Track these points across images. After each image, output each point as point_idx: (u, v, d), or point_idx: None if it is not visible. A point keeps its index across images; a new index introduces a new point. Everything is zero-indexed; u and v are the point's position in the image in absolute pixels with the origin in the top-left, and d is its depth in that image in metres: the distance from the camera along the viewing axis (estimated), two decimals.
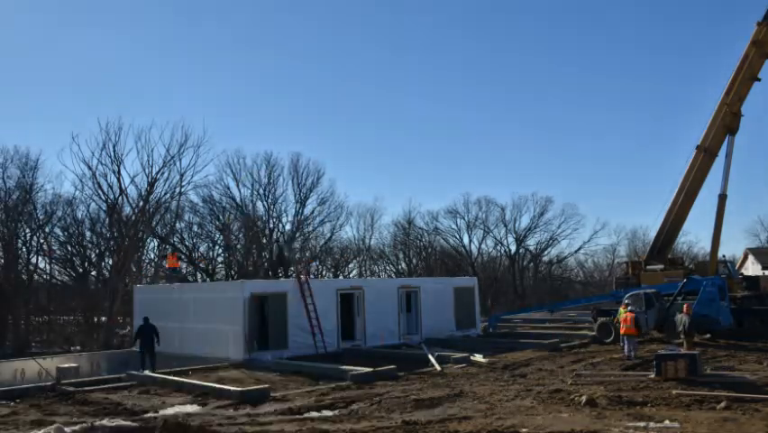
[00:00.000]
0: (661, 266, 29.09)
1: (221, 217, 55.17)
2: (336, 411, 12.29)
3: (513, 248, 66.90)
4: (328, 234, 60.06)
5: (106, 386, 16.26)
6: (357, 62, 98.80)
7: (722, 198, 27.30)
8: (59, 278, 50.41)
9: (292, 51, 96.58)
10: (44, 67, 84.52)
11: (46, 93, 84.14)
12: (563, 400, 12.60)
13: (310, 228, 58.67)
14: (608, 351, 21.04)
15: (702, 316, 21.66)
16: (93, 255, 50.27)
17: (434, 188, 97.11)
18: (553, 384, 14.60)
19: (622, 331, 19.58)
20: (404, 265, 66.01)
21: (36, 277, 48.76)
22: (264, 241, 55.04)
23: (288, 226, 57.20)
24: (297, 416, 11.96)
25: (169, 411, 12.74)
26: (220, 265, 56.09)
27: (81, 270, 49.55)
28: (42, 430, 10.86)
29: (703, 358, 16.67)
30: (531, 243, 67.09)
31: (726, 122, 27.46)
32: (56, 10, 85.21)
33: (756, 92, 27.82)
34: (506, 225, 66.05)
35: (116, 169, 44.48)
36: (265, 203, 56.21)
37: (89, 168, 43.98)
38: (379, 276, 62.05)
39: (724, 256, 29.42)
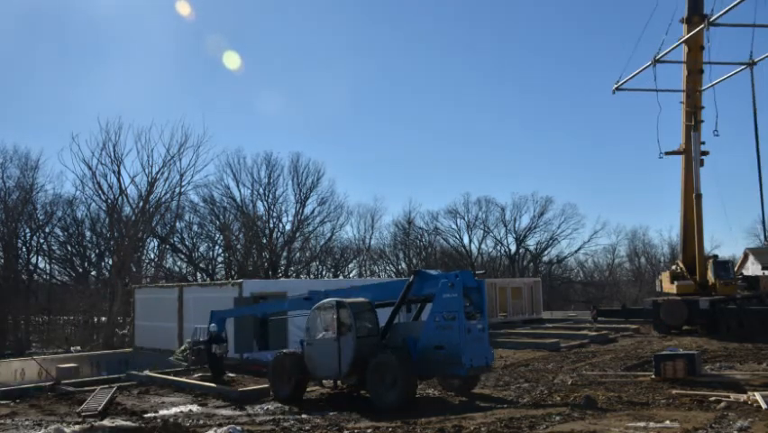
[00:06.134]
0: (674, 266, 29.43)
1: (221, 217, 55.22)
2: (336, 411, 12.29)
3: (513, 248, 67.01)
4: (328, 234, 60.16)
5: (106, 386, 16.25)
6: (357, 62, 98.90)
7: (698, 197, 27.43)
8: (59, 278, 50.49)
9: (292, 51, 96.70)
10: (44, 67, 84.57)
11: (46, 93, 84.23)
12: (563, 400, 12.60)
13: (310, 228, 58.71)
14: (608, 351, 21.04)
15: (435, 349, 12.78)
16: (93, 255, 50.36)
17: (434, 188, 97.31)
18: (553, 384, 14.60)
19: None
20: (404, 265, 66.05)
21: (36, 277, 48.85)
22: (264, 241, 55.07)
23: (288, 226, 57.26)
24: (297, 416, 11.95)
25: (169, 411, 12.74)
26: (220, 265, 56.15)
27: (81, 270, 49.61)
28: (42, 430, 10.86)
29: (703, 358, 16.67)
30: (531, 243, 67.22)
31: (688, 119, 27.96)
32: (56, 9, 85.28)
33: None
34: (506, 225, 66.21)
35: (116, 169, 44.62)
36: (265, 203, 56.30)
37: (89, 168, 44.11)
38: (379, 276, 62.14)
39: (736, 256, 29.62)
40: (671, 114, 29.42)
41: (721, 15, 23.23)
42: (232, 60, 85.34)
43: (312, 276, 58.24)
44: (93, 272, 50.05)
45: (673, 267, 29.62)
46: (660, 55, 27.82)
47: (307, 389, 15.00)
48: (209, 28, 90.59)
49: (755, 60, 26.99)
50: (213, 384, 15.60)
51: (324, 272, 60.81)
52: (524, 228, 66.05)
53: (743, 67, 27.53)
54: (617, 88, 29.88)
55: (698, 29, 26.45)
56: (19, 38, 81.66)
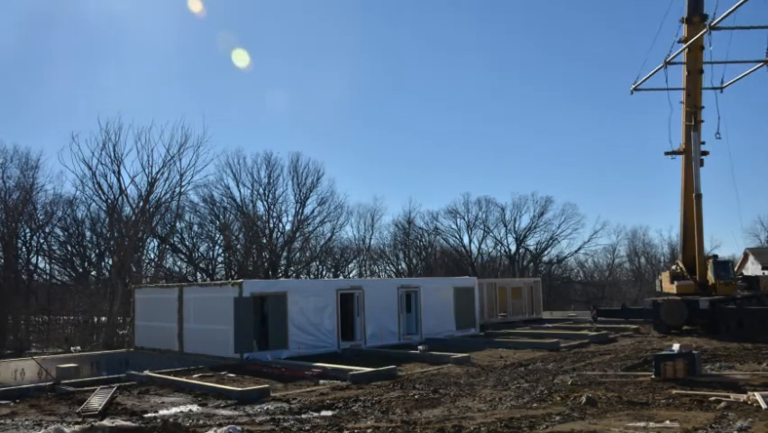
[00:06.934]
0: (674, 266, 29.55)
1: (221, 217, 55.25)
2: (336, 411, 12.30)
3: (513, 248, 67.05)
4: (328, 234, 60.18)
5: (106, 386, 16.25)
6: (356, 62, 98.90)
7: (698, 197, 27.50)
8: (59, 278, 50.49)
9: (291, 51, 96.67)
10: (44, 66, 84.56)
11: (46, 92, 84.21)
12: (563, 400, 12.60)
13: (310, 228, 58.76)
14: (607, 351, 21.05)
15: None
16: (93, 255, 50.38)
17: (434, 189, 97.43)
18: (553, 384, 14.60)
19: None
20: (404, 265, 66.06)
21: (36, 277, 48.87)
22: (264, 241, 55.09)
23: (288, 226, 57.30)
24: (297, 416, 11.95)
25: (169, 411, 12.74)
26: (220, 265, 56.18)
27: (81, 270, 49.63)
28: (42, 430, 10.86)
29: (703, 358, 16.68)
30: (531, 243, 67.29)
31: (688, 119, 28.08)
32: (57, 9, 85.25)
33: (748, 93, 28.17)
34: (506, 225, 66.30)
35: (116, 169, 44.65)
36: (265, 203, 56.37)
37: (89, 168, 44.14)
38: (379, 276, 62.17)
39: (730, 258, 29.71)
40: (680, 114, 29.46)
41: (722, 19, 23.18)
42: (241, 58, 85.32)
43: (312, 276, 58.26)
44: (93, 272, 50.05)
45: (673, 267, 29.68)
46: (670, 57, 27.99)
47: (307, 389, 15.03)
48: (211, 27, 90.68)
49: None
50: (213, 384, 15.60)
51: (324, 272, 60.83)
52: (524, 228, 66.15)
53: (759, 65, 27.40)
54: (635, 89, 30.22)
55: (699, 34, 26.44)
56: (19, 37, 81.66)
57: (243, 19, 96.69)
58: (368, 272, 63.67)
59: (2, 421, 12.04)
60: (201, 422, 11.50)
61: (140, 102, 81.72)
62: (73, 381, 17.01)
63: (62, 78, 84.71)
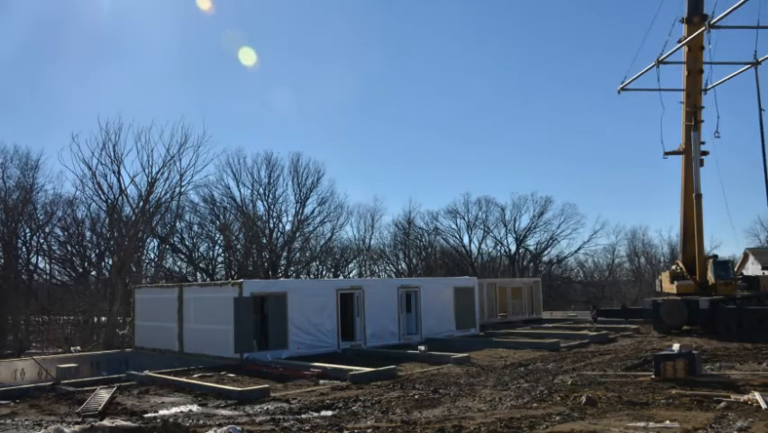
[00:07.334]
0: (674, 266, 29.59)
1: (221, 217, 55.23)
2: (336, 411, 12.29)
3: (513, 248, 67.02)
4: (328, 234, 60.16)
5: (106, 386, 16.24)
6: (357, 62, 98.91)
7: (698, 197, 27.51)
8: (59, 278, 50.48)
9: (292, 50, 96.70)
10: (44, 66, 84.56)
11: (46, 93, 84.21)
12: (563, 400, 12.60)
13: (310, 228, 58.73)
14: (608, 351, 21.05)
15: None
16: (93, 255, 50.36)
17: (434, 188, 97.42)
18: (553, 384, 14.60)
19: None
20: (404, 265, 66.03)
21: (36, 277, 48.85)
22: (264, 241, 55.08)
23: (288, 226, 57.27)
24: (297, 416, 11.95)
25: (169, 411, 12.74)
26: (220, 265, 56.16)
27: (81, 270, 49.61)
28: (42, 430, 10.87)
29: (703, 358, 16.68)
30: (531, 243, 67.26)
31: (688, 119, 28.09)
32: (57, 9, 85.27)
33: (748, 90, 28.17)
34: (506, 225, 66.28)
35: (116, 169, 44.51)
36: (265, 203, 56.34)
37: (89, 168, 44.01)
38: (379, 276, 62.15)
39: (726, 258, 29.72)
40: (675, 114, 29.41)
41: (722, 18, 23.16)
42: (247, 57, 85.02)
43: (312, 276, 58.25)
44: (93, 272, 50.01)
45: (673, 267, 29.69)
46: (663, 56, 27.75)
47: (307, 389, 15.03)
48: (212, 26, 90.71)
49: (760, 60, 26.81)
50: (213, 384, 15.60)
51: (324, 272, 60.82)
52: (524, 228, 66.14)
53: (747, 66, 27.34)
54: (622, 89, 29.86)
55: (698, 32, 26.43)
56: (20, 37, 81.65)
57: (246, 17, 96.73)
58: (368, 272, 63.65)
59: (2, 421, 12.04)
60: (201, 422, 11.50)
61: (140, 102, 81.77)
62: (73, 381, 17.00)
63: (62, 78, 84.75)
